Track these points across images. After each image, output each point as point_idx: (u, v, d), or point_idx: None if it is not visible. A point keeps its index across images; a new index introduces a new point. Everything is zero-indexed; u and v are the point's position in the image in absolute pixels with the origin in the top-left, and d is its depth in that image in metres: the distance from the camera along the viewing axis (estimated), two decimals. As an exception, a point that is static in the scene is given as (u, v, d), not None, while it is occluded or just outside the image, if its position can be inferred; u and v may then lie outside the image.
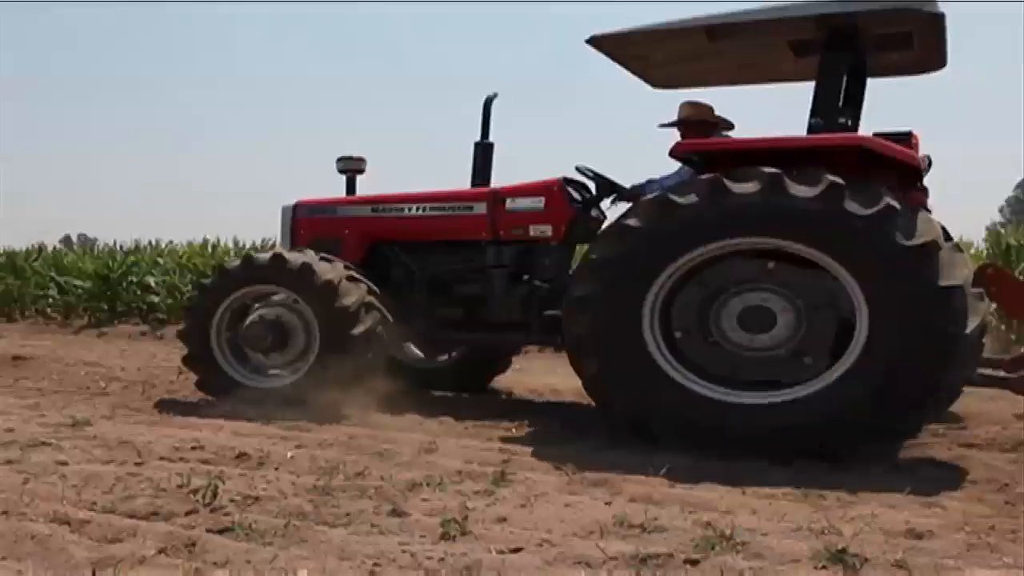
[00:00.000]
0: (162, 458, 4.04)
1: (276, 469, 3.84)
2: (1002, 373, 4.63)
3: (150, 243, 14.72)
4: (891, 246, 3.92)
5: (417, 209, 5.79)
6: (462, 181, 6.01)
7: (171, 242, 14.63)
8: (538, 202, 5.48)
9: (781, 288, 4.22)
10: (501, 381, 6.66)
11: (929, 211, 4.81)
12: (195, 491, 3.36)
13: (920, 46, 4.87)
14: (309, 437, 4.53)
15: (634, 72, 5.57)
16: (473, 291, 5.62)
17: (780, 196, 4.07)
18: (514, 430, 4.89)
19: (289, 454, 4.06)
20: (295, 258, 5.35)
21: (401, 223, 5.83)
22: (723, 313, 4.30)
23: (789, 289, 4.21)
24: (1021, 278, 5.65)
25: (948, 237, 4.45)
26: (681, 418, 4.19)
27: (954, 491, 3.64)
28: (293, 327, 5.33)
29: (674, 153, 4.73)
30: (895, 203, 3.99)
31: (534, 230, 5.47)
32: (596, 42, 4.97)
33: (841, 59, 4.62)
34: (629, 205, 4.69)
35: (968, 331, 3.87)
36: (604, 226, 4.94)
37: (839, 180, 4.04)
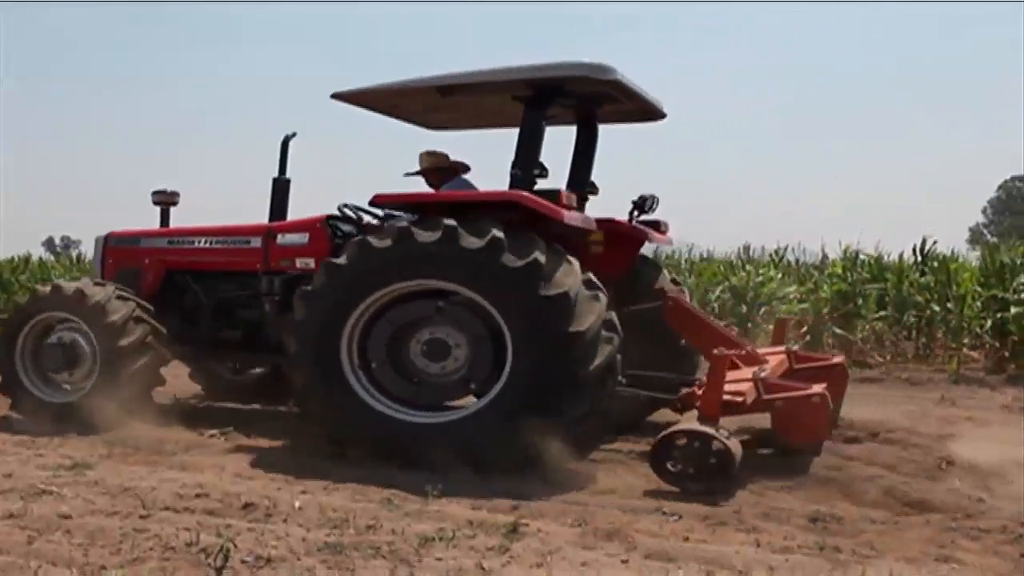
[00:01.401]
0: (167, 507, 3.98)
1: (285, 521, 3.79)
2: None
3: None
4: (504, 269, 4.56)
5: (205, 242, 6.45)
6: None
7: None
8: (303, 237, 6.02)
9: (457, 323, 4.83)
10: None
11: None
12: (205, 551, 3.31)
13: (627, 101, 5.43)
14: (313, 483, 4.46)
15: (401, 119, 6.23)
16: (251, 316, 6.24)
17: (454, 245, 4.66)
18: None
19: (296, 503, 4.01)
20: (69, 285, 6.13)
21: (191, 254, 6.49)
22: (411, 343, 4.91)
23: (463, 324, 4.83)
24: (696, 309, 6.12)
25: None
26: (373, 437, 4.84)
27: (966, 540, 3.63)
28: (81, 348, 6.01)
29: (373, 203, 5.28)
30: (543, 256, 4.60)
31: (300, 262, 6.00)
32: (340, 98, 5.55)
33: (538, 116, 5.18)
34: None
35: (580, 329, 4.51)
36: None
37: (500, 234, 4.62)
